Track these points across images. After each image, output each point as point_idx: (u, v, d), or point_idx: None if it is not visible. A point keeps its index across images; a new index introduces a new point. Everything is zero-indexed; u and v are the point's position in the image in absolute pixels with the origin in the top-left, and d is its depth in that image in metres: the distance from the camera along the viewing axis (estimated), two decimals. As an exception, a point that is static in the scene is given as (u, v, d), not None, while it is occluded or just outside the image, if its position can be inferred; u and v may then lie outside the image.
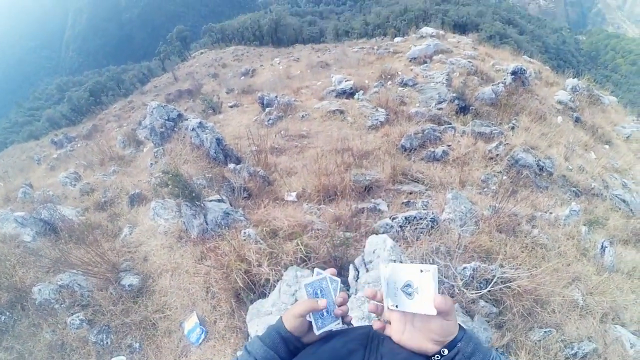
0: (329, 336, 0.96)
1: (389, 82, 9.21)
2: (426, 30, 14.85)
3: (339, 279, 1.00)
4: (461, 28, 26.23)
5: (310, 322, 0.95)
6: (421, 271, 0.86)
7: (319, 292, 0.97)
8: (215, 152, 5.58)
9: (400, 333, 0.87)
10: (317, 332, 0.94)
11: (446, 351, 0.82)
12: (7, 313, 3.56)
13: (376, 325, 0.93)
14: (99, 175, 7.10)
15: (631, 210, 5.19)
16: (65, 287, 3.67)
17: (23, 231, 4.72)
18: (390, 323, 0.91)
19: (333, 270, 1.02)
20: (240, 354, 0.97)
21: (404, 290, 0.87)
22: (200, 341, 3.16)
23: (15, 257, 4.17)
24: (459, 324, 0.86)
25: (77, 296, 3.64)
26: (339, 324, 0.96)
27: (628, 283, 3.57)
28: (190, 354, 3.15)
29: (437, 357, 0.82)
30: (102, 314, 3.50)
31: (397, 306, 0.88)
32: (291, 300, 2.62)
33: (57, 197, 6.36)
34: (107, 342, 3.31)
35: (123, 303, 3.57)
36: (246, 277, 2.97)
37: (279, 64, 18.68)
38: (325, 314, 0.95)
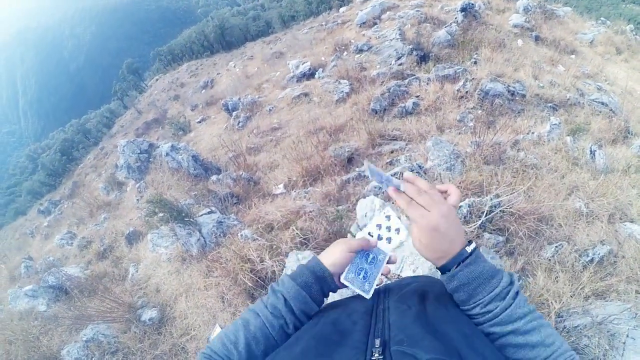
0: (331, 306, 0.90)
1: (345, 53, 9.17)
2: (367, -8, 14.72)
3: (388, 254, 0.91)
4: (402, -19, 25.98)
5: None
6: (386, 217, 0.93)
7: (369, 256, 0.89)
8: (194, 169, 5.58)
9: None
10: (342, 280, 0.87)
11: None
12: (46, 383, 3.59)
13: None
14: (91, 227, 7.09)
15: (611, 110, 5.19)
16: (90, 340, 3.70)
17: (36, 302, 4.79)
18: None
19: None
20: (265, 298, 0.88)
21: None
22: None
23: (36, 329, 4.20)
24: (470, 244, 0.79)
25: (104, 346, 3.66)
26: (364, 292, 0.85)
27: (626, 180, 3.56)
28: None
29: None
30: (132, 354, 3.52)
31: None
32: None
33: (59, 260, 6.39)
34: (144, 378, 3.35)
35: (149, 337, 3.59)
36: (253, 276, 3.02)
37: (234, 67, 18.56)
38: (363, 271, 0.87)
